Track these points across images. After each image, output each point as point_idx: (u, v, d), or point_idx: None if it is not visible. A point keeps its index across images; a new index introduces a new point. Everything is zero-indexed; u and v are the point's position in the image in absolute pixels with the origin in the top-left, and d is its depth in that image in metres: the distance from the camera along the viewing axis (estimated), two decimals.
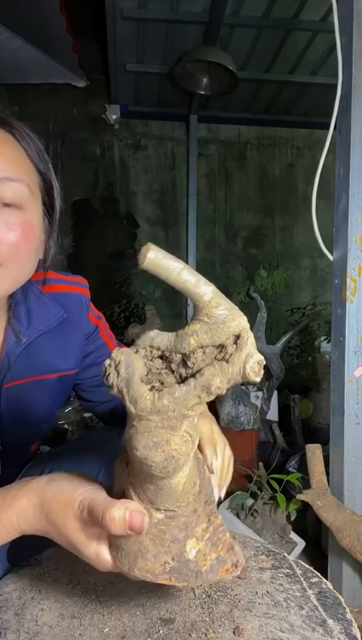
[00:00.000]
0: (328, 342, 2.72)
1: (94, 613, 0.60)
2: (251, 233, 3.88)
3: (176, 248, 3.72)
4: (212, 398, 0.43)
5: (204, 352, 0.43)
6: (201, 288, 0.42)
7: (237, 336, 0.43)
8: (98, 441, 0.94)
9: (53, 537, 0.56)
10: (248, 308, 2.89)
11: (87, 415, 2.49)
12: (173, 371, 0.45)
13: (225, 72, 2.69)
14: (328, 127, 1.41)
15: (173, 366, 0.45)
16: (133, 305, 3.48)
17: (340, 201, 1.40)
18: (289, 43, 2.76)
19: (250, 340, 0.43)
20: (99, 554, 0.53)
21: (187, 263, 3.58)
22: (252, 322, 2.50)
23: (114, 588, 0.66)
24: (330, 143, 1.43)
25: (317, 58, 2.91)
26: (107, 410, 1.03)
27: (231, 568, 0.52)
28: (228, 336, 0.43)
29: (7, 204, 0.70)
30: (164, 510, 0.49)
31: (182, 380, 0.44)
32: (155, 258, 0.40)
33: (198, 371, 0.43)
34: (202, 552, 0.51)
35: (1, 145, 0.71)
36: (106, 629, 0.57)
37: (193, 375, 0.43)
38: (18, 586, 0.67)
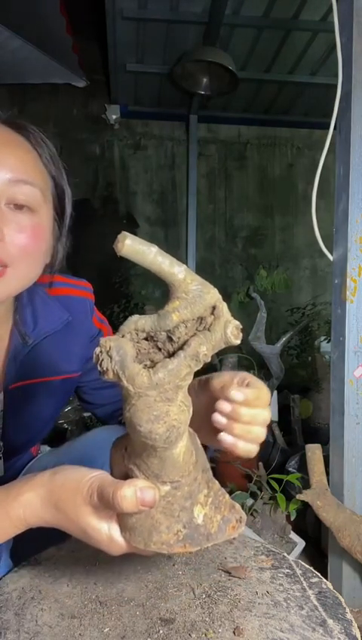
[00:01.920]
0: (328, 342, 2.72)
1: (94, 613, 0.60)
2: (251, 233, 3.88)
3: (175, 248, 3.71)
4: (200, 366, 0.47)
5: (186, 326, 0.47)
6: (175, 268, 0.45)
7: (213, 307, 0.48)
8: (98, 439, 0.94)
9: (63, 526, 0.56)
10: (248, 308, 2.89)
11: (86, 414, 2.49)
12: (160, 349, 0.49)
13: (225, 72, 2.69)
14: (328, 127, 1.42)
15: (160, 344, 0.48)
16: (133, 305, 3.48)
17: (340, 201, 1.40)
18: (289, 43, 2.76)
19: (225, 309, 0.48)
20: (112, 536, 0.53)
21: (187, 262, 3.58)
22: (252, 322, 2.50)
23: (114, 588, 0.65)
24: (330, 143, 1.43)
25: (317, 58, 2.90)
26: (107, 412, 1.03)
27: (236, 525, 0.55)
28: (206, 308, 0.48)
29: (19, 207, 0.71)
30: (170, 482, 0.52)
31: (170, 355, 0.47)
32: (132, 244, 0.44)
33: (184, 343, 0.47)
34: (208, 516, 0.54)
35: (17, 148, 0.73)
36: (106, 629, 0.57)
37: (180, 348, 0.47)
38: (18, 586, 0.67)
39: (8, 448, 0.90)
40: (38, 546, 0.74)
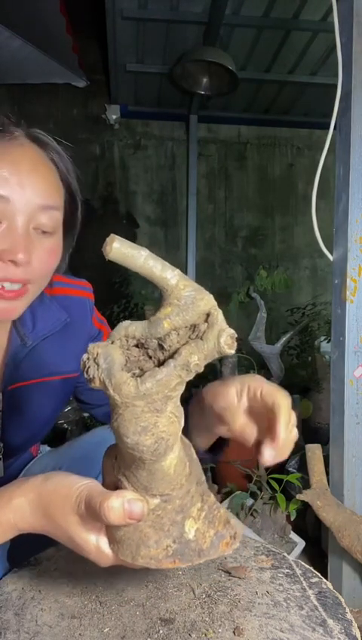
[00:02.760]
0: (328, 342, 2.72)
1: (94, 613, 0.60)
2: (251, 233, 3.88)
3: (175, 248, 3.71)
4: (192, 376, 0.45)
5: (178, 334, 0.45)
6: (168, 273, 0.43)
7: (208, 315, 0.45)
8: (98, 439, 0.94)
9: (51, 533, 0.55)
10: (248, 308, 2.89)
11: (86, 414, 2.48)
12: (150, 357, 0.46)
13: (225, 72, 2.69)
14: (328, 127, 1.42)
15: (150, 352, 0.46)
16: (133, 305, 3.47)
17: (340, 201, 1.40)
18: (289, 43, 2.76)
19: (220, 316, 0.45)
20: (100, 548, 0.52)
21: (186, 262, 3.55)
22: (252, 322, 2.50)
23: (114, 588, 0.65)
24: (330, 143, 1.43)
25: (317, 58, 2.91)
26: (104, 412, 1.03)
27: (230, 541, 0.53)
28: (199, 315, 0.45)
29: (44, 232, 0.73)
30: (159, 495, 0.50)
31: (161, 364, 0.45)
32: (121, 247, 0.41)
33: (175, 352, 0.44)
34: (201, 531, 0.51)
35: (42, 167, 0.73)
36: (106, 629, 0.57)
37: (171, 357, 0.45)
38: (18, 586, 0.67)
39: (8, 449, 0.90)
40: (34, 549, 0.74)
